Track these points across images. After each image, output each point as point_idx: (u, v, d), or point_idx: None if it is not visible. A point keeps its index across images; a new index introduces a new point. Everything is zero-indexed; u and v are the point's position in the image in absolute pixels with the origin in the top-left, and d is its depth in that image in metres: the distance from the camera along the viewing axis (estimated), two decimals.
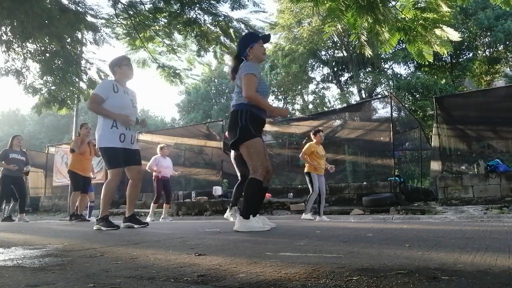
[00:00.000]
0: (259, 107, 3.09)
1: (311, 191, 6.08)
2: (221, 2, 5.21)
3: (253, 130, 3.04)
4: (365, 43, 4.24)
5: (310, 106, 22.88)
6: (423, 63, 4.36)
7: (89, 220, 6.62)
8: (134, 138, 3.95)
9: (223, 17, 5.38)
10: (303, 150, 6.22)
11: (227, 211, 5.42)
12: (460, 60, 19.93)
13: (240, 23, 5.39)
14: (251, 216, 3.04)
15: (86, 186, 6.72)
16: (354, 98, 21.61)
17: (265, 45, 3.34)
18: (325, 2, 3.97)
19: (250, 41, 3.26)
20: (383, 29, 4.03)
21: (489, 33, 18.30)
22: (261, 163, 3.04)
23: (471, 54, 19.81)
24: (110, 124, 3.73)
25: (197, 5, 5.28)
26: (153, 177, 7.54)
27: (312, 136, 6.37)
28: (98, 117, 3.84)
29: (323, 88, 23.71)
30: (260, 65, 3.41)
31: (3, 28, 5.33)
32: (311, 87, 24.29)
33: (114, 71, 3.94)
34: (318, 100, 22.58)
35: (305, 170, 6.18)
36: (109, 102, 3.75)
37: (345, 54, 21.92)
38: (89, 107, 3.86)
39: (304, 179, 6.50)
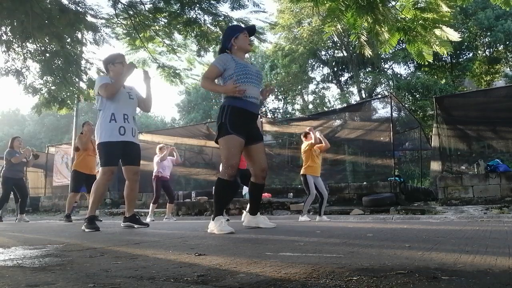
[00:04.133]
0: (245, 100, 3.05)
1: (307, 194, 6.07)
2: (221, 2, 5.21)
3: (230, 127, 2.99)
4: (365, 43, 4.23)
5: (310, 106, 22.89)
6: (423, 63, 4.36)
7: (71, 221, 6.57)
8: (135, 132, 3.90)
9: (223, 17, 5.38)
10: (304, 150, 6.20)
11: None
12: (460, 60, 19.95)
13: (240, 23, 5.39)
14: (217, 217, 2.98)
15: (90, 185, 6.67)
16: (354, 98, 21.64)
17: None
18: (325, 2, 3.97)
19: (234, 31, 3.27)
20: (383, 29, 4.03)
21: (489, 33, 18.31)
22: (227, 161, 2.97)
23: (471, 54, 19.82)
24: (108, 118, 3.70)
25: (197, 5, 5.28)
26: (153, 177, 7.53)
27: (303, 139, 6.36)
28: (98, 115, 3.84)
29: (323, 88, 23.74)
30: (244, 58, 3.31)
31: (3, 28, 5.33)
32: (311, 87, 24.32)
33: (108, 68, 3.93)
34: (318, 100, 22.59)
35: (301, 172, 6.16)
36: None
37: (345, 54, 21.93)
38: (107, 95, 3.69)
39: None
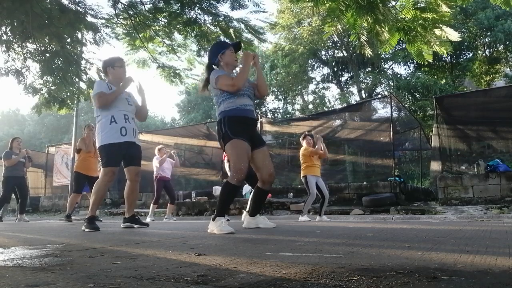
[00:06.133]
0: (240, 108, 3.08)
1: (308, 194, 6.08)
2: (221, 2, 5.20)
3: (232, 133, 3.03)
4: (365, 43, 4.23)
5: (310, 106, 22.90)
6: (423, 63, 4.36)
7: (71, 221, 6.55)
8: (136, 132, 3.90)
9: (223, 17, 5.37)
10: (303, 153, 6.19)
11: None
12: (460, 60, 19.94)
13: (240, 23, 5.38)
14: (217, 217, 3.00)
15: (92, 185, 6.62)
16: (354, 98, 21.65)
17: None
18: (325, 2, 3.97)
19: (221, 48, 3.32)
20: (383, 29, 4.03)
21: (489, 33, 18.31)
22: (235, 165, 2.98)
23: (471, 54, 19.82)
24: (109, 120, 3.71)
25: (197, 5, 5.28)
26: (154, 178, 7.54)
27: (302, 142, 6.36)
28: (96, 120, 3.84)
29: (323, 88, 23.75)
30: (233, 72, 3.35)
31: (3, 28, 5.32)
32: (311, 87, 24.33)
33: (107, 71, 3.95)
34: (318, 100, 22.59)
35: (301, 175, 6.17)
36: None
37: (345, 54, 21.93)
38: (99, 106, 3.73)
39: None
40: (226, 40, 5.10)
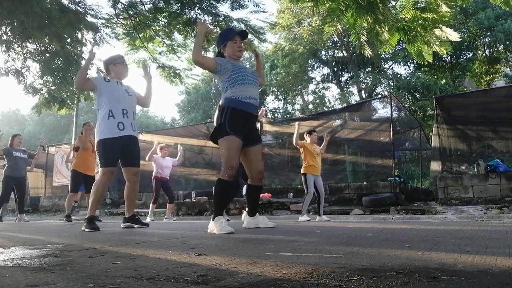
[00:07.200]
0: (244, 101, 3.10)
1: (305, 193, 6.07)
2: (221, 2, 5.22)
3: (229, 128, 3.03)
4: (365, 43, 4.23)
5: (310, 106, 22.91)
6: (423, 63, 4.36)
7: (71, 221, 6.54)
8: (135, 126, 3.89)
9: (223, 17, 5.38)
10: (304, 144, 6.21)
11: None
12: (460, 60, 19.93)
13: (240, 23, 5.39)
14: (217, 217, 3.00)
15: (88, 185, 6.64)
16: (354, 98, 21.66)
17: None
18: (325, 2, 3.97)
19: (223, 39, 3.32)
20: (383, 29, 4.03)
21: (489, 33, 18.31)
22: (226, 162, 3.00)
23: (471, 54, 19.81)
24: (107, 115, 3.70)
25: (197, 5, 5.29)
26: (152, 178, 7.52)
27: (306, 136, 6.35)
28: (97, 114, 3.84)
29: (323, 88, 23.75)
30: (239, 61, 3.36)
31: (3, 28, 5.33)
32: (311, 87, 24.35)
33: (109, 69, 3.96)
34: (318, 100, 22.61)
35: (301, 171, 6.16)
36: (101, 92, 3.75)
37: (345, 54, 21.93)
38: (76, 86, 3.98)
39: None
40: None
